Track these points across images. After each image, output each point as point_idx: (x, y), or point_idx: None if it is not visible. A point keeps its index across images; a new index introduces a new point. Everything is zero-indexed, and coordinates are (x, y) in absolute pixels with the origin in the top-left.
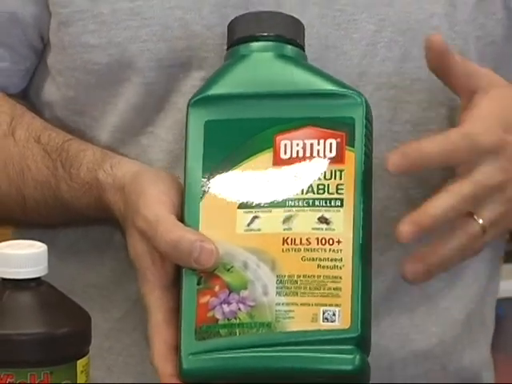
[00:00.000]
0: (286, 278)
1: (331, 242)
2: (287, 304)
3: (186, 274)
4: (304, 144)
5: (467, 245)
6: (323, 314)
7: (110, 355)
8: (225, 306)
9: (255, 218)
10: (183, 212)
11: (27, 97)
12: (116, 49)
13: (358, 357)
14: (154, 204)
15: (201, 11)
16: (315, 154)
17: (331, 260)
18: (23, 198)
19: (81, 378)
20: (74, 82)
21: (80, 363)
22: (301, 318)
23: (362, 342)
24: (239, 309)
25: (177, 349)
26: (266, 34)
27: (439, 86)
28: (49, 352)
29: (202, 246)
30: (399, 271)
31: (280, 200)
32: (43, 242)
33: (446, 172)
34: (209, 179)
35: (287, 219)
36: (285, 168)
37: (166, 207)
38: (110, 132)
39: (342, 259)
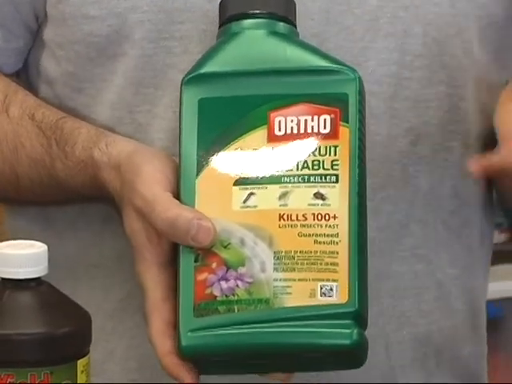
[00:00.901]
0: (283, 253)
1: (327, 217)
2: (285, 280)
3: (183, 251)
4: (298, 120)
5: None
6: (321, 289)
7: (113, 337)
8: (223, 283)
9: (251, 194)
10: (179, 190)
11: (27, 77)
12: (116, 19)
13: (355, 331)
14: (151, 182)
15: None
16: (309, 130)
17: (328, 235)
18: (17, 176)
19: (81, 378)
20: (74, 56)
21: (80, 363)
22: (298, 294)
23: (359, 316)
24: (237, 285)
25: (175, 326)
26: (258, 11)
27: (439, 63)
28: (49, 352)
29: (200, 224)
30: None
31: (275, 176)
32: (39, 221)
33: (446, 154)
34: (204, 157)
35: (283, 195)
36: (279, 144)
37: (162, 186)
38: (107, 110)
39: (338, 234)
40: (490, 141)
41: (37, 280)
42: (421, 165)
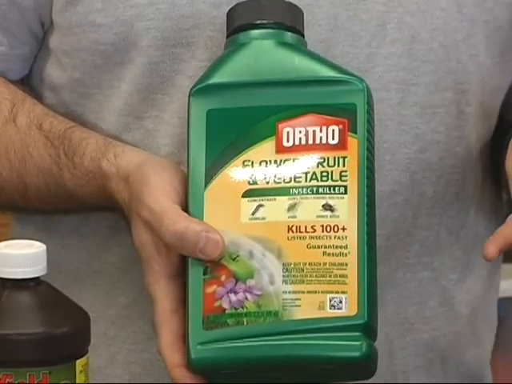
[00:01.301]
0: (292, 266)
1: (336, 229)
2: (294, 292)
3: (192, 263)
4: (306, 131)
5: None
6: (330, 301)
7: (115, 342)
8: (232, 296)
9: (260, 206)
10: (187, 202)
11: (30, 84)
12: (122, 27)
13: (365, 343)
14: (159, 194)
15: None
16: (318, 141)
17: (336, 247)
18: (24, 185)
19: (80, 378)
20: (80, 64)
21: (79, 363)
22: (307, 306)
23: (368, 328)
24: (246, 298)
25: (184, 338)
26: (265, 21)
27: (446, 68)
28: (48, 352)
29: (208, 237)
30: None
31: (284, 188)
32: (44, 227)
33: (452, 160)
34: (212, 169)
35: (292, 207)
36: (288, 156)
37: (170, 197)
38: (114, 116)
39: (347, 246)
40: (487, 146)
41: (36, 280)
42: (428, 171)
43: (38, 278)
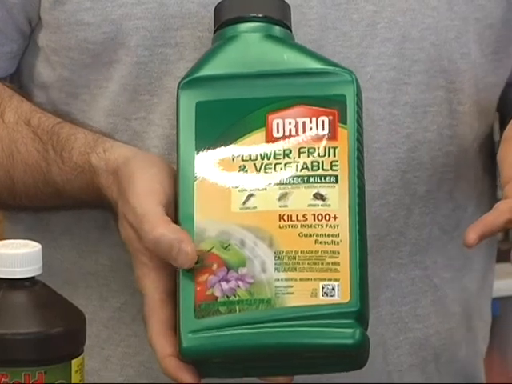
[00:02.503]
0: (284, 253)
1: (327, 217)
2: (286, 280)
3: None
4: (296, 122)
5: None
6: (322, 288)
7: (109, 345)
8: (224, 284)
9: (250, 196)
10: (178, 194)
11: (20, 82)
12: (111, 26)
13: (358, 331)
14: (143, 194)
15: None
16: (308, 131)
17: (328, 235)
18: (12, 182)
19: (75, 378)
20: (69, 62)
21: (75, 363)
22: (300, 294)
23: (361, 316)
24: (238, 286)
25: (174, 329)
26: (253, 15)
27: (438, 67)
28: (43, 351)
29: (180, 247)
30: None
31: (275, 178)
32: (35, 227)
33: (445, 159)
34: (202, 160)
35: (283, 196)
36: (278, 146)
37: (155, 197)
38: (103, 116)
39: (338, 234)
40: (486, 144)
41: (31, 279)
42: (419, 171)
43: (33, 277)
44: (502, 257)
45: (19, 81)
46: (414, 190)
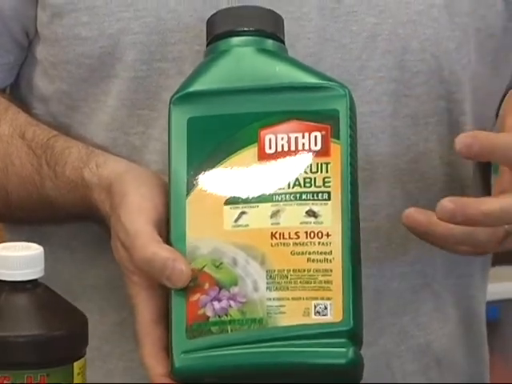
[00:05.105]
0: (276, 272)
1: (320, 235)
2: (278, 299)
3: None
4: (289, 138)
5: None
6: (315, 307)
7: (111, 359)
8: (215, 303)
9: (242, 213)
10: (169, 211)
11: (19, 94)
12: (108, 41)
13: (351, 350)
14: (134, 214)
15: (194, 3)
16: (300, 147)
17: (321, 253)
18: (7, 193)
19: (77, 380)
20: (67, 75)
21: (77, 365)
22: (292, 313)
23: (354, 334)
24: (230, 305)
25: (167, 348)
26: (245, 28)
27: (438, 78)
28: (45, 354)
29: (174, 266)
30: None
31: (267, 195)
32: (35, 240)
33: (446, 168)
34: (194, 177)
35: (275, 214)
36: (270, 162)
37: (146, 216)
38: (102, 131)
39: (331, 252)
40: None
41: (33, 282)
42: (421, 181)
43: (35, 280)
44: (503, 259)
45: (19, 93)
46: (415, 201)
